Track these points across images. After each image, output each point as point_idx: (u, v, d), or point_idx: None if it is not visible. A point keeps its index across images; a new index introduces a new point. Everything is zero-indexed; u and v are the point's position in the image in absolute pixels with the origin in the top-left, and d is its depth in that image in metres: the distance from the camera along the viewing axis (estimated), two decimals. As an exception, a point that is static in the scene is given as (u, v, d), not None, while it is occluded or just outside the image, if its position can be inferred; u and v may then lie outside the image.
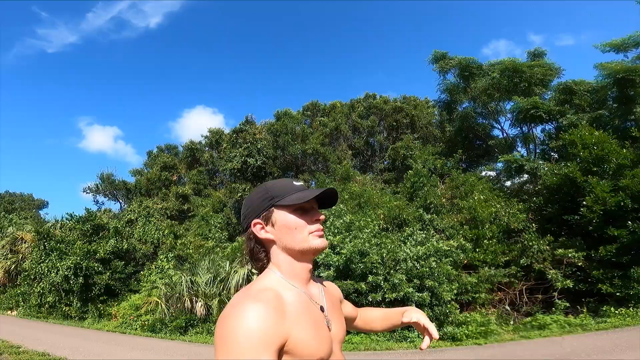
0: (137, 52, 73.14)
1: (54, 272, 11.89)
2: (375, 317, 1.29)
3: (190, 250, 14.47)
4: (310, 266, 0.99)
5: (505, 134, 12.99)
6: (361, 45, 71.04)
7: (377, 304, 7.78)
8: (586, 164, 7.62)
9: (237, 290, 10.58)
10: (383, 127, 19.60)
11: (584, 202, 7.22)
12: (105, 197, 18.84)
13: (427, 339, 1.10)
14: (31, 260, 12.85)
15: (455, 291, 8.04)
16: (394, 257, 8.29)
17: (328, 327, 0.96)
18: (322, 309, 0.98)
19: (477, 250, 8.93)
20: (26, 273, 12.97)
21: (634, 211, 6.83)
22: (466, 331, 7.16)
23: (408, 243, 8.93)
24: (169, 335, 10.12)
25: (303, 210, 0.97)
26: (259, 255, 0.99)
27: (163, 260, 14.08)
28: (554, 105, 10.12)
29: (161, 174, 17.76)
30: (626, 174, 7.11)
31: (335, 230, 9.44)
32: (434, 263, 7.82)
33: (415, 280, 7.79)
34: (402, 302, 7.58)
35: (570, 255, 7.53)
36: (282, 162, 17.27)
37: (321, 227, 0.98)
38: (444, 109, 15.51)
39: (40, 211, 25.64)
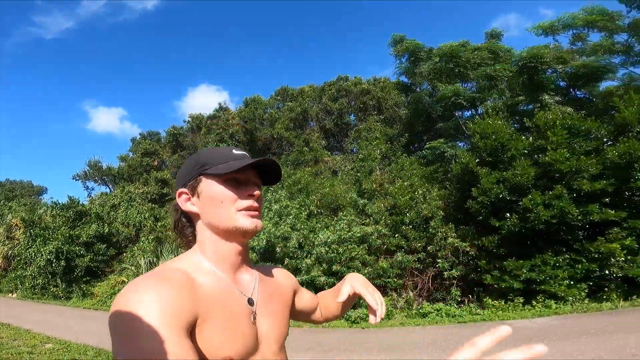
0: (136, 33, 73.34)
1: (39, 256, 13.43)
2: (328, 298, 1.12)
3: (170, 232, 15.78)
4: (240, 249, 0.84)
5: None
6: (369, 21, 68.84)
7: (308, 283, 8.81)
8: (483, 153, 8.08)
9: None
10: (352, 109, 20.00)
11: (472, 193, 7.77)
12: (95, 183, 20.43)
13: (371, 315, 0.94)
14: (20, 246, 14.48)
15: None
16: (311, 242, 9.19)
17: (253, 321, 0.81)
18: (249, 301, 0.83)
19: (396, 235, 9.66)
20: (19, 258, 14.65)
21: (513, 203, 7.30)
22: (363, 314, 8.02)
23: (332, 228, 9.75)
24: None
25: (237, 182, 0.82)
26: (184, 231, 0.86)
27: (144, 242, 15.47)
28: (478, 92, 10.36)
29: (142, 159, 18.98)
30: (514, 165, 7.53)
31: (272, 215, 10.37)
32: (340, 249, 8.66)
33: (324, 265, 8.69)
34: (312, 285, 8.52)
35: (457, 244, 8.16)
36: (252, 146, 18.08)
37: (254, 205, 0.82)
38: (403, 91, 15.78)
39: (40, 197, 27.55)
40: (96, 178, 19.97)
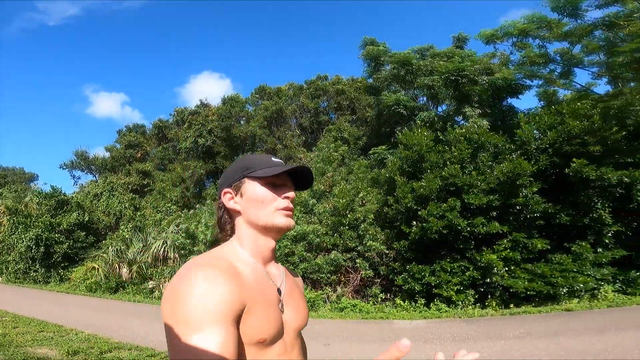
0: (140, 20, 73.79)
1: (20, 242, 14.50)
2: None
3: (148, 221, 16.76)
4: (273, 245, 0.94)
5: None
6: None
7: None
8: (404, 164, 8.72)
9: (154, 257, 12.76)
10: (329, 108, 20.60)
11: (388, 201, 8.43)
12: (82, 172, 21.50)
13: None
14: (4, 233, 15.59)
15: (301, 272, 9.73)
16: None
17: (280, 309, 0.89)
18: (278, 291, 0.91)
19: (335, 235, 10.44)
20: (2, 244, 15.78)
21: (419, 212, 7.90)
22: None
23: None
24: (101, 294, 12.57)
25: (274, 185, 0.92)
26: (225, 226, 0.96)
27: (124, 231, 16.48)
28: (430, 100, 10.85)
29: (126, 151, 19.92)
30: (424, 176, 8.13)
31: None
32: (278, 245, 9.51)
33: (261, 259, 9.56)
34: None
35: (374, 246, 8.90)
36: (230, 143, 18.86)
37: (289, 206, 0.92)
38: (371, 94, 16.32)
39: (31, 184, 28.72)
40: (83, 167, 21.06)
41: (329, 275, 10.05)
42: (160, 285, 11.69)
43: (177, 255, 11.57)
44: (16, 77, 68.36)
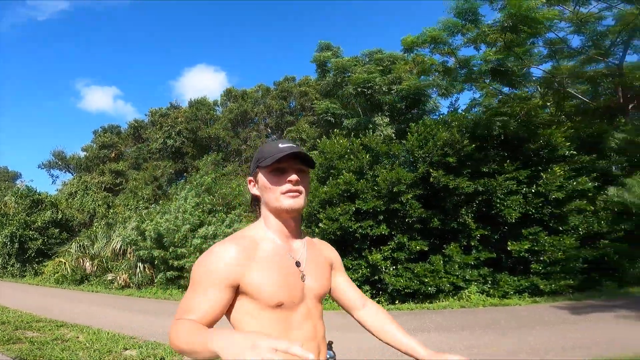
0: (132, 13, 73.82)
1: (-4, 239, 15.75)
2: (393, 330, 1.18)
3: (119, 219, 17.93)
4: (290, 223, 1.07)
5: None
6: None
7: (180, 269, 10.97)
8: (319, 170, 9.76)
9: (114, 252, 13.98)
10: (295, 109, 21.64)
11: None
12: (60, 171, 22.63)
13: None
14: (-20, 230, 16.81)
15: None
16: (193, 235, 11.23)
17: (302, 280, 1.04)
18: (297, 263, 1.06)
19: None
20: (-19, 241, 17.02)
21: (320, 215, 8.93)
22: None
23: (214, 224, 11.74)
24: (67, 286, 13.83)
25: (281, 171, 1.02)
26: (254, 207, 1.13)
27: (97, 228, 17.67)
28: (349, 109, 11.71)
29: (100, 152, 21.04)
30: (328, 182, 9.16)
31: (173, 210, 12.45)
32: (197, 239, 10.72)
33: (198, 254, 10.76)
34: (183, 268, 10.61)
35: None
36: (197, 144, 19.95)
37: (292, 188, 1.01)
38: (325, 96, 17.32)
39: (15, 182, 29.77)
40: (61, 167, 22.20)
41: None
42: (118, 277, 12.92)
43: (131, 250, 12.76)
44: (4, 73, 68.12)
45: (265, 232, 1.06)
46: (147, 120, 24.02)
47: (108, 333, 5.95)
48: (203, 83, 59.73)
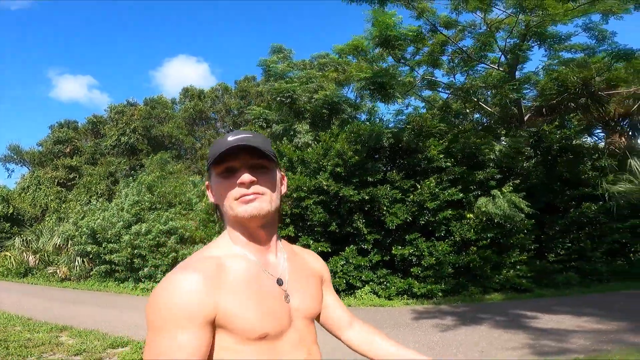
0: (111, 1, 72.25)
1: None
2: (386, 351, 1.00)
3: (71, 213, 18.18)
4: (260, 233, 0.85)
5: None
6: None
7: (111, 263, 11.51)
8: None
9: (55, 246, 14.34)
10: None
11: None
12: (16, 165, 22.63)
13: None
14: None
15: (170, 260, 11.51)
16: (126, 232, 11.75)
17: (286, 300, 0.85)
18: (279, 281, 0.86)
19: (201, 229, 12.19)
20: None
21: None
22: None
23: (150, 221, 12.25)
24: (11, 279, 14.17)
25: (231, 170, 0.81)
26: (219, 217, 0.90)
27: (48, 222, 17.88)
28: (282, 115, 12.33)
29: (54, 147, 21.16)
30: None
31: (110, 207, 12.95)
32: (149, 236, 11.26)
33: (129, 249, 11.30)
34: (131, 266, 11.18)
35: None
36: (150, 142, 20.30)
37: (245, 192, 0.80)
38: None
39: None
40: (16, 161, 22.19)
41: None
42: (58, 270, 13.35)
43: (69, 244, 13.21)
44: None
45: (232, 247, 0.85)
46: (106, 115, 24.18)
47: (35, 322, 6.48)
48: (184, 73, 59.14)
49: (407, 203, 8.24)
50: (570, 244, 7.99)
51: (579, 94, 9.71)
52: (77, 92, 68.20)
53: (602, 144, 11.19)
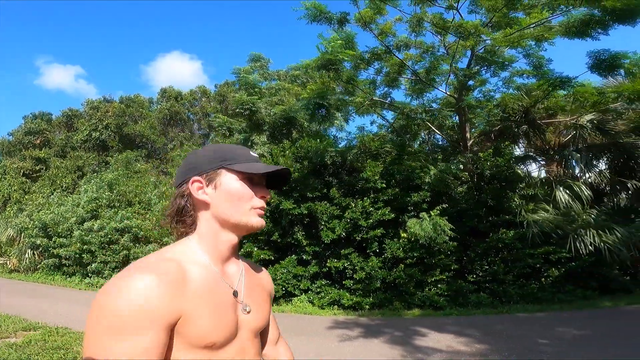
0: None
1: None
2: None
3: (34, 204, 18.04)
4: (235, 242, 0.90)
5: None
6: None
7: (59, 257, 11.63)
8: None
9: (11, 239, 14.28)
10: (231, 114, 22.55)
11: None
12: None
13: None
14: None
15: (121, 257, 11.69)
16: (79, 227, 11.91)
17: (245, 311, 0.88)
18: (235, 293, 0.88)
19: (157, 229, 12.42)
20: None
21: None
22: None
23: (115, 218, 12.40)
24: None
25: (251, 182, 0.89)
26: (185, 219, 0.88)
27: (9, 212, 17.71)
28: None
29: (24, 137, 21.04)
30: None
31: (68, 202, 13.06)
32: (101, 233, 11.46)
33: (78, 244, 11.47)
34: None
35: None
36: (122, 139, 20.38)
37: (264, 206, 0.90)
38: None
39: None
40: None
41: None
42: (8, 262, 13.34)
43: (22, 237, 13.25)
44: None
45: (195, 254, 0.86)
46: (82, 110, 24.13)
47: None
48: (176, 70, 59.02)
49: (344, 219, 8.75)
50: (487, 267, 8.60)
51: (518, 122, 10.38)
52: (63, 82, 67.15)
53: (543, 173, 11.94)
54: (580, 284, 8.53)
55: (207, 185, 0.87)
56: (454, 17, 8.58)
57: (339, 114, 9.38)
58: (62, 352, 4.55)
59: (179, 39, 67.85)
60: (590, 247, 8.08)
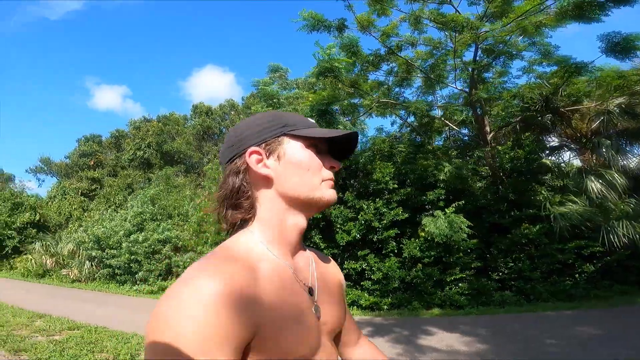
0: (143, 14, 76.70)
1: (-23, 238, 18.07)
2: None
3: (91, 222, 20.04)
4: (304, 226, 0.74)
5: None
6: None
7: (111, 267, 12.90)
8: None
9: (70, 251, 15.96)
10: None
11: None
12: (46, 175, 25.13)
13: None
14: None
15: (164, 266, 12.73)
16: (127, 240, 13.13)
17: (316, 314, 0.71)
18: (310, 291, 0.72)
19: (193, 239, 13.35)
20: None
21: None
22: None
23: (158, 230, 13.52)
24: (31, 279, 15.95)
25: (318, 150, 0.74)
26: (242, 201, 0.71)
27: (71, 229, 19.83)
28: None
29: (79, 160, 23.35)
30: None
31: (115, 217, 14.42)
32: (145, 244, 12.55)
33: (127, 255, 12.62)
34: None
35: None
36: (163, 156, 21.93)
37: (333, 177, 0.75)
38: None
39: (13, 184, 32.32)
40: (46, 172, 24.68)
41: (183, 268, 13.04)
42: (70, 272, 14.95)
43: (79, 250, 14.81)
44: (16, 72, 68.24)
45: (261, 244, 0.70)
46: (127, 130, 26.27)
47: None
48: (212, 83, 61.99)
49: (357, 222, 8.88)
50: (512, 264, 8.27)
51: (540, 111, 9.86)
52: (112, 102, 72.76)
53: (578, 162, 11.18)
54: (617, 279, 7.96)
55: (268, 157, 0.72)
56: (457, 11, 8.42)
57: (345, 119, 9.51)
58: (92, 346, 5.23)
59: (211, 52, 71.19)
60: (624, 239, 7.53)
